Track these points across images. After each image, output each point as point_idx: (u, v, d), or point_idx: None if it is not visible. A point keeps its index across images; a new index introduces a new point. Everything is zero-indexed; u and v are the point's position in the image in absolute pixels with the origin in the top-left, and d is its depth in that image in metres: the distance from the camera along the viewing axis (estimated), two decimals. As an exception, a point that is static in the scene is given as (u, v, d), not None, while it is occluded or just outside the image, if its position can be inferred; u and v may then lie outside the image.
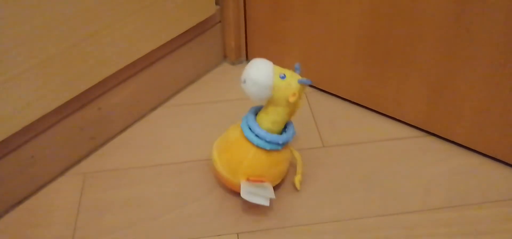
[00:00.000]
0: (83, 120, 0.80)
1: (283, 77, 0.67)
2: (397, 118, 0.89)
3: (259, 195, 0.69)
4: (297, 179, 0.76)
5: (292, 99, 0.67)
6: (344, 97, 0.95)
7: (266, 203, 0.69)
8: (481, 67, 0.74)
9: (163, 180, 0.79)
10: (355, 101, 0.93)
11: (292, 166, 0.78)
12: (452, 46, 0.75)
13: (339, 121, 0.90)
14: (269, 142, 0.70)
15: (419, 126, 0.87)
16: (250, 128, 0.71)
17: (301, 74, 0.70)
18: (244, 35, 1.02)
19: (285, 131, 0.72)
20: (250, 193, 0.69)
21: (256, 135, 0.70)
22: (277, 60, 1.00)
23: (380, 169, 0.81)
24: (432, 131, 0.86)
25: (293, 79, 0.68)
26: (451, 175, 0.79)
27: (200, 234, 0.71)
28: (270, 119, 0.70)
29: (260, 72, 0.67)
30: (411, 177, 0.79)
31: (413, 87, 0.83)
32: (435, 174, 0.80)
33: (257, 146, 0.70)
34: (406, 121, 0.89)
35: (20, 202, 0.75)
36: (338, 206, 0.75)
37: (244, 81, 0.68)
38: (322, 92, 0.97)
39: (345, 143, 0.85)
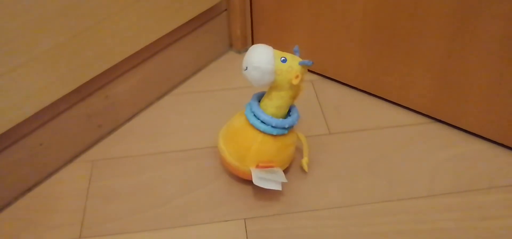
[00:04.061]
0: (91, 108, 0.80)
1: (284, 60, 0.67)
2: (403, 104, 0.89)
3: (271, 180, 0.69)
4: (305, 161, 0.76)
5: (295, 81, 0.67)
6: (350, 84, 0.94)
7: (279, 188, 0.70)
8: (487, 52, 0.74)
9: (170, 167, 0.79)
10: (361, 88, 0.93)
11: (298, 150, 0.79)
12: (458, 32, 0.75)
13: (345, 108, 0.90)
14: (275, 127, 0.70)
15: (425, 113, 0.87)
16: (255, 115, 0.71)
17: (303, 58, 0.69)
18: (250, 23, 1.02)
19: (290, 115, 0.73)
20: (262, 179, 0.69)
21: (262, 121, 0.70)
22: (282, 49, 1.00)
23: (386, 155, 0.81)
24: (438, 118, 0.86)
25: (294, 61, 0.68)
26: (458, 161, 0.79)
27: (207, 220, 0.71)
28: (274, 104, 0.70)
29: (261, 57, 0.67)
30: (417, 163, 0.79)
31: (419, 74, 0.83)
32: (442, 160, 0.80)
33: (264, 132, 0.70)
34: (412, 108, 0.88)
35: (29, 189, 0.76)
36: (344, 192, 0.75)
37: (246, 68, 0.68)
38: (328, 80, 0.97)
39: (351, 130, 0.86)
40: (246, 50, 1.05)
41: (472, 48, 0.75)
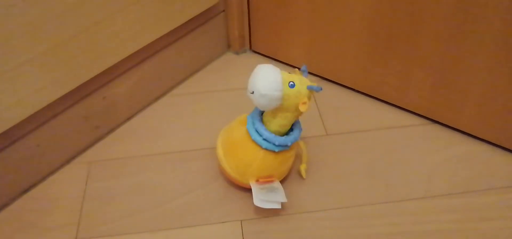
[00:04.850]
0: (88, 109, 0.80)
1: (293, 85, 0.65)
2: (401, 106, 0.89)
3: (272, 200, 0.69)
4: (303, 167, 0.76)
5: (302, 108, 0.65)
6: (347, 86, 0.94)
7: (279, 206, 0.69)
8: (484, 54, 0.74)
9: (167, 169, 0.79)
10: (358, 90, 0.93)
11: (297, 155, 0.79)
12: (455, 33, 0.75)
13: (343, 109, 0.90)
14: (278, 145, 0.69)
15: (422, 114, 0.87)
16: (257, 131, 0.69)
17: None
18: (247, 24, 1.02)
19: (292, 130, 0.71)
20: (263, 201, 0.68)
21: (265, 139, 0.68)
22: (280, 49, 1.00)
23: (383, 156, 0.81)
24: (435, 119, 0.86)
25: (302, 86, 0.65)
26: (455, 162, 0.79)
27: (204, 222, 0.71)
28: (278, 123, 0.68)
29: (269, 84, 0.63)
30: (414, 165, 0.79)
31: (416, 75, 0.83)
32: (439, 161, 0.79)
33: (266, 149, 0.69)
34: (410, 109, 0.88)
35: (26, 190, 0.76)
36: (342, 193, 0.75)
37: (252, 93, 0.64)
38: (325, 81, 0.97)
39: (349, 131, 0.85)
40: (244, 51, 1.06)
41: (470, 49, 0.75)
